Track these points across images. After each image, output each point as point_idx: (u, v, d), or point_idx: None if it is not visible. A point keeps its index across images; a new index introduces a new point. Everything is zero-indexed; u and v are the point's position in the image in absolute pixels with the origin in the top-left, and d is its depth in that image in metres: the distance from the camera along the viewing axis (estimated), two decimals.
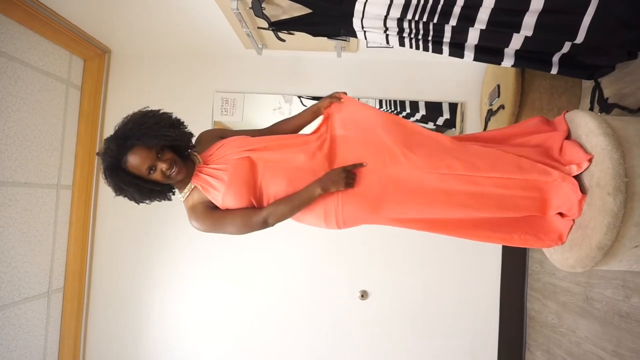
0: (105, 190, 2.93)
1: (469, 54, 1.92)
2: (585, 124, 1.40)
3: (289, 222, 1.51)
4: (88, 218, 2.92)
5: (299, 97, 2.96)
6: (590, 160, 1.34)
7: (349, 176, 1.41)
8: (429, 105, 2.91)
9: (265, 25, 2.22)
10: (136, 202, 1.44)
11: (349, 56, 2.90)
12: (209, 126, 2.94)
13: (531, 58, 1.90)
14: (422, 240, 2.82)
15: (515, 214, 1.42)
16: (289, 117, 1.72)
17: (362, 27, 1.96)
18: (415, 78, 2.93)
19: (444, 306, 2.82)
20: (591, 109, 2.12)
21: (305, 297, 2.88)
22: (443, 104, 2.91)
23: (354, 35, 2.04)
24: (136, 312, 2.93)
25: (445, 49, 1.94)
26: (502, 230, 1.45)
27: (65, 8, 2.41)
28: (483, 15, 1.71)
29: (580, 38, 1.66)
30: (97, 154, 1.41)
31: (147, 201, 1.45)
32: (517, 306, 2.76)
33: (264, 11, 2.13)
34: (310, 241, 2.87)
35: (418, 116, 2.91)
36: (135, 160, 1.34)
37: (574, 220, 1.40)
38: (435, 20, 1.79)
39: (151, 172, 1.36)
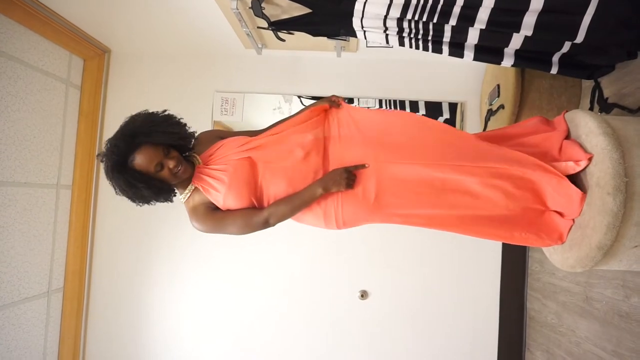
0: (105, 190, 2.94)
1: (469, 53, 1.92)
2: (585, 124, 1.40)
3: (288, 222, 1.51)
4: (88, 218, 2.92)
5: (299, 96, 2.96)
6: (589, 160, 1.34)
7: (350, 177, 1.41)
8: (429, 105, 2.91)
9: (265, 25, 2.22)
10: (141, 202, 1.42)
11: (348, 56, 2.90)
12: (208, 126, 2.94)
13: (531, 58, 1.90)
14: (422, 240, 2.82)
15: (514, 206, 1.42)
16: (286, 117, 1.72)
17: (362, 27, 1.96)
18: (415, 78, 2.93)
19: (444, 306, 2.82)
20: (591, 108, 2.12)
21: (305, 297, 2.88)
22: (443, 104, 2.91)
23: (353, 35, 2.04)
24: (136, 312, 2.93)
25: (445, 48, 1.94)
26: (503, 227, 1.45)
27: (65, 8, 2.41)
28: (483, 15, 1.71)
29: (580, 38, 1.66)
30: (98, 155, 1.39)
31: (153, 201, 1.43)
32: (517, 306, 2.76)
33: (263, 11, 2.13)
34: (310, 241, 2.87)
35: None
36: (143, 158, 1.33)
37: (574, 220, 1.40)
38: (435, 20, 1.79)
39: (159, 170, 1.36)
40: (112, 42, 2.90)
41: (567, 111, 1.56)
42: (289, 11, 2.17)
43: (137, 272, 2.93)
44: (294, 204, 1.42)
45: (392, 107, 2.93)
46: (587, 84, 2.18)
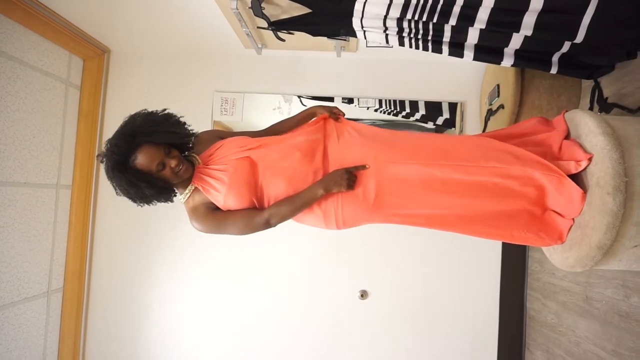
0: (104, 190, 2.94)
1: (469, 53, 1.92)
2: (585, 124, 1.40)
3: (288, 222, 1.51)
4: (87, 218, 2.92)
5: (299, 96, 2.96)
6: (589, 160, 1.34)
7: (350, 177, 1.41)
8: (429, 104, 2.91)
9: (265, 25, 2.22)
10: (142, 202, 1.41)
11: (348, 56, 2.90)
12: (208, 126, 2.94)
13: (531, 58, 1.90)
14: (422, 240, 2.82)
15: (514, 204, 1.42)
16: (285, 118, 1.73)
17: (362, 27, 1.96)
18: (415, 78, 2.93)
19: (444, 306, 2.82)
20: (591, 108, 2.12)
21: (305, 296, 2.88)
22: (443, 104, 2.91)
23: (353, 35, 2.04)
24: (136, 312, 2.93)
25: (445, 48, 1.94)
26: (503, 227, 1.45)
27: (64, 8, 2.41)
28: (483, 15, 1.71)
29: (579, 38, 1.66)
30: (99, 155, 1.39)
31: (154, 201, 1.43)
32: (517, 306, 2.76)
33: (263, 11, 2.13)
34: (310, 241, 2.87)
35: (418, 116, 2.91)
36: (145, 158, 1.33)
37: (573, 219, 1.40)
38: (434, 20, 1.79)
39: (160, 169, 1.36)
40: (112, 42, 2.90)
41: (566, 111, 1.56)
42: (289, 11, 2.17)
43: (137, 272, 2.93)
44: (295, 204, 1.42)
45: (392, 107, 2.93)
46: (587, 84, 2.18)
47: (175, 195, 1.52)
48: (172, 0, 2.31)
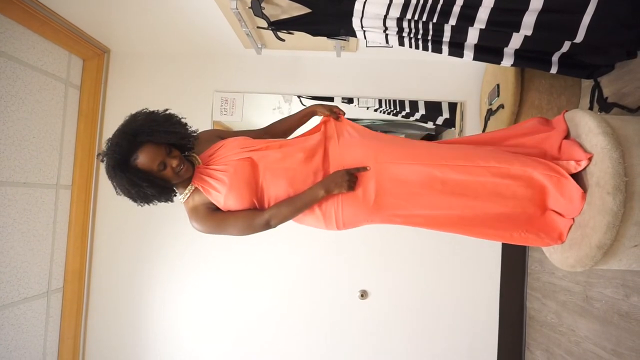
0: (104, 190, 2.93)
1: (469, 53, 1.92)
2: (585, 123, 1.40)
3: (288, 223, 1.51)
4: (87, 218, 2.92)
5: (299, 96, 2.96)
6: (589, 159, 1.34)
7: (351, 179, 1.41)
8: (429, 104, 2.91)
9: (265, 24, 2.22)
10: (143, 202, 1.41)
11: (348, 56, 2.90)
12: (208, 126, 2.93)
13: (531, 57, 1.90)
14: (422, 240, 2.82)
15: (514, 204, 1.42)
16: (284, 117, 1.73)
17: (362, 27, 1.96)
18: (415, 78, 2.93)
19: (444, 306, 2.82)
20: (590, 108, 2.12)
21: (305, 296, 2.88)
22: (442, 104, 2.91)
23: (353, 34, 2.04)
24: (136, 312, 2.93)
25: (445, 48, 1.94)
26: (502, 227, 1.45)
27: (64, 7, 2.41)
28: (483, 15, 1.71)
29: (579, 37, 1.66)
30: (99, 154, 1.38)
31: (155, 201, 1.42)
32: (517, 305, 2.76)
33: (263, 11, 2.13)
34: (310, 241, 2.87)
35: (417, 116, 2.91)
36: (146, 157, 1.32)
37: (573, 219, 1.40)
38: (434, 20, 1.79)
39: (161, 169, 1.35)
40: (112, 42, 2.90)
41: (566, 111, 1.56)
42: (289, 11, 2.18)
43: (137, 272, 2.93)
44: (296, 205, 1.42)
45: (392, 107, 2.93)
46: (587, 84, 2.18)
47: (175, 195, 1.51)
48: (172, 1, 2.31)
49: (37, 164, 2.57)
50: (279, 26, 2.19)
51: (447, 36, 1.86)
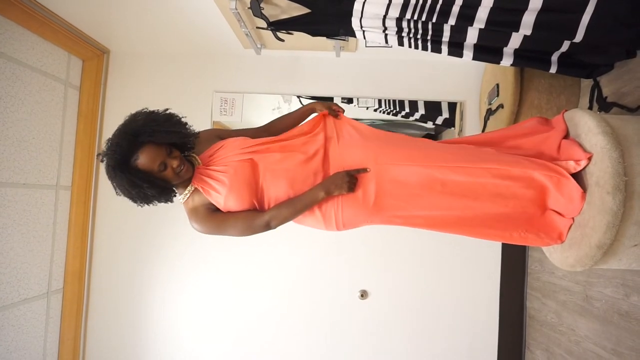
0: (104, 191, 2.93)
1: (468, 53, 1.92)
2: (584, 123, 1.40)
3: (288, 223, 1.51)
4: (87, 219, 2.92)
5: (298, 96, 2.96)
6: (589, 159, 1.34)
7: (351, 180, 1.41)
8: (428, 104, 2.91)
9: (264, 25, 2.22)
10: (143, 203, 1.40)
11: (347, 56, 2.90)
12: (208, 126, 2.93)
13: (530, 57, 1.90)
14: (422, 240, 2.82)
15: (514, 205, 1.42)
16: (283, 115, 1.73)
17: (361, 27, 1.96)
18: (414, 77, 2.93)
19: (444, 306, 2.82)
20: (590, 107, 2.12)
21: (305, 296, 2.88)
22: (442, 104, 2.91)
23: (352, 34, 2.04)
24: (136, 313, 2.92)
25: (444, 48, 1.94)
26: (502, 227, 1.45)
27: (63, 8, 2.41)
28: (482, 15, 1.71)
29: (579, 37, 1.66)
30: (99, 154, 1.38)
31: (155, 201, 1.41)
32: (517, 305, 2.76)
33: (262, 11, 2.13)
34: (310, 241, 2.87)
35: (417, 115, 2.91)
36: (147, 158, 1.31)
37: (573, 219, 1.40)
38: (434, 20, 1.79)
39: (162, 169, 1.35)
40: (111, 43, 2.90)
41: (566, 110, 1.56)
42: (288, 11, 2.17)
43: (137, 273, 2.93)
44: (296, 207, 1.42)
45: (392, 106, 2.93)
46: (586, 83, 2.18)
47: (175, 196, 1.51)
48: (171, 1, 2.31)
49: (37, 165, 2.57)
50: (278, 26, 2.19)
51: (446, 36, 1.86)
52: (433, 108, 2.91)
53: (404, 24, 1.88)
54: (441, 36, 1.87)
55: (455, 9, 1.73)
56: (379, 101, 2.93)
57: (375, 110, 2.93)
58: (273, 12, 2.20)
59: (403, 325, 2.83)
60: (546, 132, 1.54)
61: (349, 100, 2.93)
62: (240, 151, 1.45)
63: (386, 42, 2.03)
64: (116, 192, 1.37)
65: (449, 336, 2.81)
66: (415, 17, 1.81)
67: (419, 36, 1.93)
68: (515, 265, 2.78)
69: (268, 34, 2.42)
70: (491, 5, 1.67)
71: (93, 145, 2.92)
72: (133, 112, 1.39)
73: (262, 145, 1.48)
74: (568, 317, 2.23)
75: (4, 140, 2.33)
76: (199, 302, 2.91)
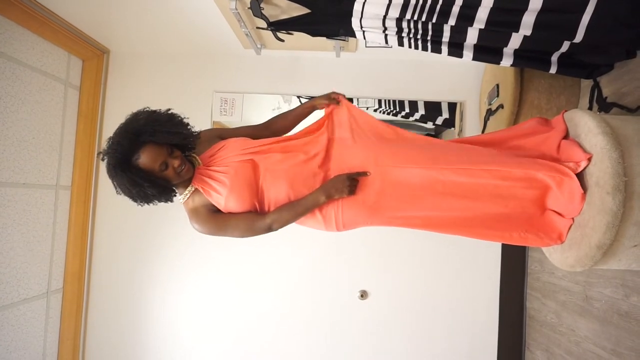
0: (104, 191, 2.93)
1: (468, 53, 1.92)
2: (584, 123, 1.40)
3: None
4: (87, 218, 2.92)
5: (298, 96, 2.96)
6: (589, 160, 1.34)
7: (352, 183, 1.41)
8: (428, 105, 2.91)
9: (264, 25, 2.22)
10: (143, 202, 1.39)
11: (347, 56, 2.90)
12: (208, 126, 2.93)
13: (530, 57, 1.90)
14: (422, 240, 2.82)
15: (513, 205, 1.42)
16: (284, 112, 1.72)
17: (361, 27, 1.96)
18: (414, 78, 2.93)
19: (444, 306, 2.82)
20: (590, 108, 2.12)
21: (305, 296, 2.88)
22: (442, 104, 2.91)
23: (352, 35, 2.04)
24: (136, 313, 2.92)
25: (444, 48, 1.94)
26: (502, 228, 1.45)
27: (63, 8, 2.41)
28: (482, 15, 1.71)
29: (579, 37, 1.66)
30: (100, 153, 1.37)
31: (155, 200, 1.41)
32: (517, 305, 2.76)
33: (262, 11, 2.13)
34: (310, 242, 2.87)
35: (417, 116, 2.91)
36: (148, 157, 1.31)
37: (573, 219, 1.40)
38: (434, 20, 1.79)
39: (163, 169, 1.35)
40: (111, 43, 2.90)
41: (566, 111, 1.56)
42: (288, 11, 2.18)
43: (137, 273, 2.93)
44: (297, 211, 1.42)
45: (392, 107, 2.93)
46: (586, 84, 2.18)
47: (175, 195, 1.51)
48: (171, 1, 2.31)
49: (37, 165, 2.57)
50: (278, 26, 2.19)
51: (446, 36, 1.86)
52: (433, 108, 2.91)
53: (404, 24, 1.88)
54: (441, 36, 1.87)
55: (455, 9, 1.73)
56: (379, 101, 2.93)
57: (375, 110, 2.93)
58: (273, 12, 2.20)
59: (403, 325, 2.83)
60: (546, 132, 1.54)
61: (350, 101, 2.91)
62: (241, 152, 1.45)
63: (386, 42, 2.03)
64: (117, 191, 1.37)
65: (448, 336, 2.81)
66: (415, 18, 1.81)
67: (419, 36, 1.93)
68: (515, 265, 2.78)
69: (268, 34, 2.42)
70: (491, 5, 1.67)
71: (93, 145, 2.92)
72: (134, 111, 1.39)
73: (264, 146, 1.48)
74: (568, 318, 2.23)
75: (4, 140, 2.33)
76: (199, 301, 2.91)
